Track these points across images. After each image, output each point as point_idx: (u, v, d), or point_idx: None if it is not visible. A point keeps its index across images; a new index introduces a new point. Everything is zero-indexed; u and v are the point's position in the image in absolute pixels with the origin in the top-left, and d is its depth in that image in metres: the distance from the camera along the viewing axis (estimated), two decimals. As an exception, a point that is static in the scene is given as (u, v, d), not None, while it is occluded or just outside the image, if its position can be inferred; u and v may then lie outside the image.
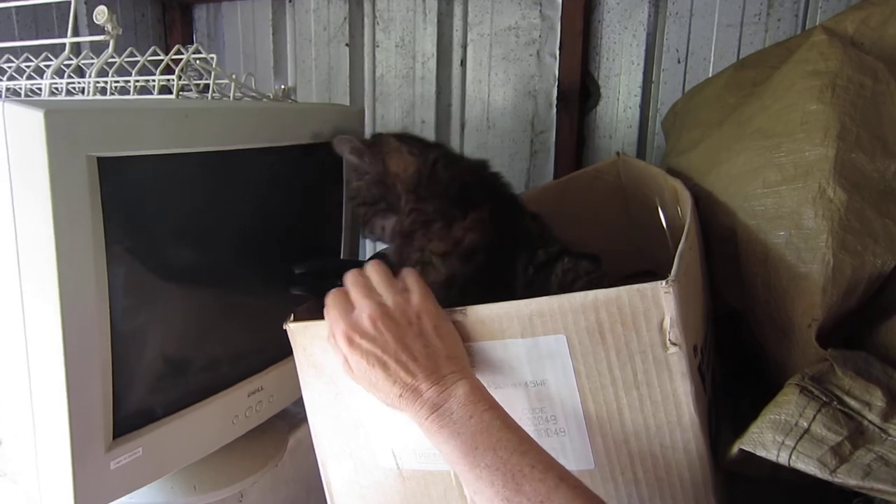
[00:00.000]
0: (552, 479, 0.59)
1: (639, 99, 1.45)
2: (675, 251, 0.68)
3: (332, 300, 0.72)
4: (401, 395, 0.66)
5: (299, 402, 1.14)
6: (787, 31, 1.33)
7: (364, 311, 0.68)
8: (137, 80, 1.09)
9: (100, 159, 0.69)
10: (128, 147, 0.72)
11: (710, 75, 1.37)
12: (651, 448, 0.66)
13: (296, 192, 1.00)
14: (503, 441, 0.62)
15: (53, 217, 0.66)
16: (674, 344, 0.63)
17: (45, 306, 0.68)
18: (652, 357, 0.64)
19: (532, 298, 0.67)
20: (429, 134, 1.60)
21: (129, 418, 0.79)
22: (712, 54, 1.39)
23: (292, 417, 1.15)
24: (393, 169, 0.86)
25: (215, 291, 0.90)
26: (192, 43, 1.75)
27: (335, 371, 0.78)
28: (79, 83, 1.12)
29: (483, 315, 0.68)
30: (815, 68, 0.85)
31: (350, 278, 0.72)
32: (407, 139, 0.89)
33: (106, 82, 1.10)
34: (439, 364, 0.66)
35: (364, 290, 0.70)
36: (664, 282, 0.62)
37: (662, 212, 0.98)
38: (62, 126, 0.65)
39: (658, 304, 0.63)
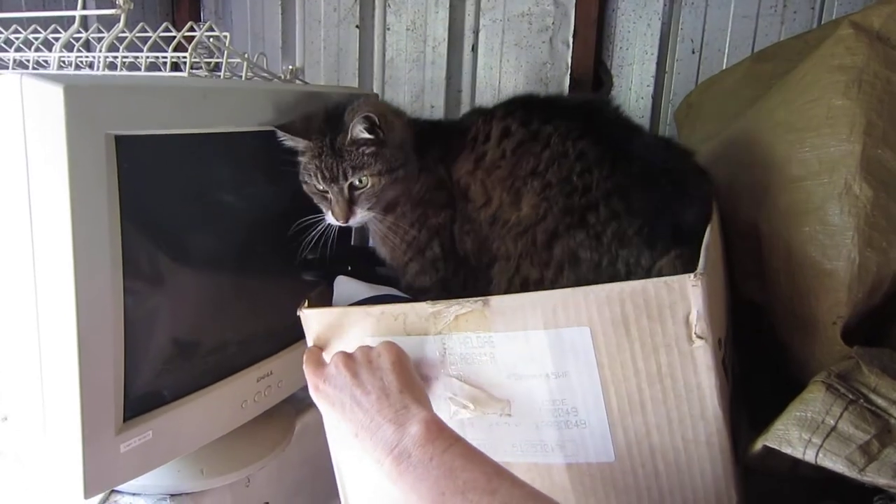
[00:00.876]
0: None
1: (651, 89, 1.43)
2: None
3: (306, 357, 0.76)
4: (356, 434, 0.65)
5: (306, 388, 1.14)
6: (803, 23, 1.32)
7: (331, 360, 0.72)
8: (148, 56, 1.08)
9: (118, 137, 0.67)
10: (146, 126, 0.71)
11: (725, 67, 1.36)
12: (673, 442, 0.66)
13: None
14: (470, 483, 0.58)
15: (70, 195, 0.64)
16: (700, 337, 0.62)
17: (59, 284, 0.67)
18: (677, 350, 0.63)
19: (555, 290, 0.66)
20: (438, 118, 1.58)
21: (139, 401, 0.78)
22: (727, 45, 1.37)
23: (299, 402, 1.14)
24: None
25: (227, 275, 0.89)
26: (199, 21, 1.73)
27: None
28: (88, 57, 1.10)
29: (505, 305, 0.68)
30: (841, 63, 0.84)
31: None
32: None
33: (115, 57, 1.08)
34: (391, 398, 0.65)
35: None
36: (692, 275, 0.62)
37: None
38: (82, 102, 0.63)
39: (685, 296, 0.62)
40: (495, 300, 0.68)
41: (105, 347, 0.71)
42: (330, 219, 0.89)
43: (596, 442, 0.68)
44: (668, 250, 0.74)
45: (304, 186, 0.91)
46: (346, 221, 0.88)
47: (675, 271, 0.70)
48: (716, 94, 1.22)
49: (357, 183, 0.87)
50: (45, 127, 0.63)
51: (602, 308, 0.64)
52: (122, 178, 0.69)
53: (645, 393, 0.65)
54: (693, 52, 1.40)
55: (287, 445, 1.05)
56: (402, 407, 0.64)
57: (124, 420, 0.76)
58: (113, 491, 0.89)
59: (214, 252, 0.87)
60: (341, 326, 0.77)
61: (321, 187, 0.88)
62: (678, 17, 1.40)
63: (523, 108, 0.88)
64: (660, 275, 0.72)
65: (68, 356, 0.69)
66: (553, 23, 1.46)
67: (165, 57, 1.12)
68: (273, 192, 0.94)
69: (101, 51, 1.07)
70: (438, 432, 0.62)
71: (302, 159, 0.89)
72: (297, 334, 0.97)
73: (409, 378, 0.68)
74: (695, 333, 0.62)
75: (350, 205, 0.88)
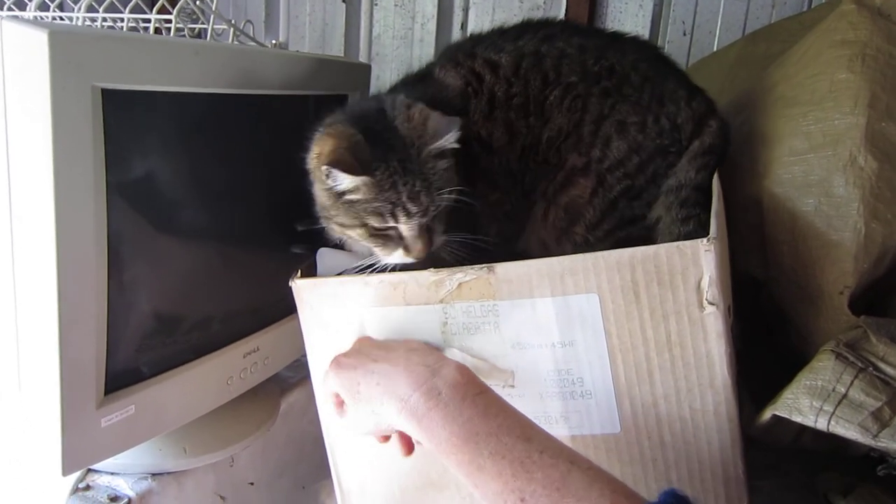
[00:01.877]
0: (564, 464, 0.54)
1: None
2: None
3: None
4: (378, 383, 0.63)
5: (292, 367, 1.11)
6: (794, 5, 1.32)
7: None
8: (130, 18, 1.04)
9: (105, 91, 0.64)
10: (135, 81, 0.67)
11: (716, 49, 1.36)
12: (680, 412, 0.65)
13: (301, 145, 0.96)
14: (504, 426, 0.56)
15: (53, 151, 0.61)
16: (711, 304, 0.61)
17: (39, 248, 0.63)
18: (687, 317, 0.62)
19: (564, 256, 0.64)
20: (425, 98, 1.55)
21: (122, 373, 0.75)
22: (718, 28, 1.37)
23: (284, 381, 1.11)
24: None
25: (215, 245, 0.86)
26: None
27: (343, 330, 0.75)
28: (64, 18, 1.05)
29: (512, 273, 0.66)
30: (843, 38, 0.83)
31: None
32: None
33: (94, 20, 1.04)
34: (419, 353, 0.64)
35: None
36: (704, 239, 0.60)
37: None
38: (68, 51, 0.59)
39: (697, 262, 0.60)
40: (500, 267, 0.66)
41: (87, 316, 0.68)
42: (394, 258, 0.74)
43: (602, 413, 0.67)
44: (704, 109, 0.84)
45: (344, 230, 0.75)
46: (424, 257, 0.74)
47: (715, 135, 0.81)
48: (709, 75, 1.21)
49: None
50: (27, 76, 0.59)
51: (612, 274, 0.62)
52: (108, 135, 0.65)
53: (653, 362, 0.64)
54: (684, 34, 1.39)
55: (272, 425, 1.02)
56: (432, 356, 0.63)
57: (106, 393, 0.73)
58: (90, 470, 0.85)
59: (202, 220, 0.83)
60: (336, 297, 0.74)
61: (388, 224, 0.72)
62: (670, -2, 1.40)
63: (480, 43, 0.87)
64: (700, 124, 0.82)
65: (47, 324, 0.65)
66: (544, 2, 1.44)
67: (148, 20, 1.08)
68: (264, 160, 0.90)
69: (79, 11, 1.03)
70: (471, 378, 0.60)
71: (351, 197, 0.72)
72: (286, 309, 0.94)
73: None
74: (706, 300, 0.61)
75: (430, 235, 0.74)
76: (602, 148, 0.81)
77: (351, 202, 0.72)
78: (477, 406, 0.58)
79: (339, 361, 0.69)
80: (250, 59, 0.83)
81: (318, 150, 0.73)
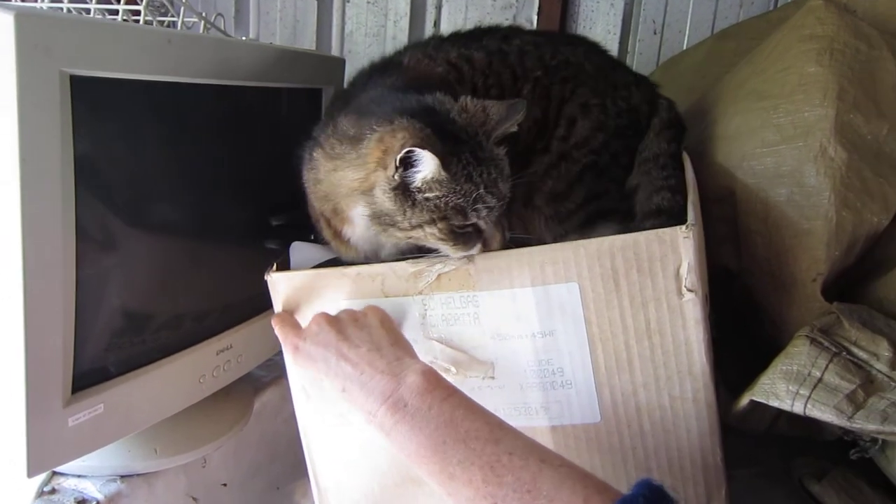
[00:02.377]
0: (534, 464, 0.54)
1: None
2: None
3: (277, 320, 0.72)
4: (344, 389, 0.61)
5: (265, 366, 1.09)
6: (761, 5, 1.35)
7: (312, 320, 0.68)
8: (98, 8, 1.01)
9: (74, 77, 0.62)
10: (105, 68, 0.65)
11: (685, 47, 1.38)
12: (660, 400, 0.65)
13: (275, 139, 0.95)
14: (472, 431, 0.56)
15: (19, 140, 0.58)
16: (690, 290, 0.61)
17: (3, 239, 0.61)
18: (666, 304, 0.62)
19: (543, 245, 0.64)
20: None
21: (90, 371, 0.73)
22: (688, 27, 1.39)
23: (257, 381, 1.09)
24: None
25: (187, 240, 0.84)
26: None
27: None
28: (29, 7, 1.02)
29: (491, 263, 0.65)
30: (812, 32, 0.85)
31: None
32: None
33: (60, 9, 1.02)
34: (383, 351, 0.62)
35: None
36: (683, 227, 0.61)
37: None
38: (35, 34, 0.57)
39: (676, 249, 0.61)
40: (480, 257, 0.66)
41: (54, 311, 0.66)
42: (471, 253, 0.68)
43: (582, 402, 0.67)
44: (650, 91, 0.92)
45: (411, 232, 0.68)
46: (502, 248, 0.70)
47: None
48: (679, 73, 1.23)
49: None
50: (-8, 61, 0.57)
51: (592, 262, 0.62)
52: (77, 124, 0.63)
53: (633, 350, 0.64)
54: (655, 33, 1.41)
55: (245, 424, 1.00)
56: (396, 359, 0.61)
57: (73, 391, 0.70)
58: (56, 473, 0.83)
59: (174, 214, 0.81)
60: (313, 290, 0.73)
61: (469, 221, 0.67)
62: (640, -3, 1.42)
63: (446, 42, 0.89)
64: (652, 104, 0.89)
65: (12, 319, 0.63)
66: (517, 0, 1.45)
67: (115, 11, 1.06)
68: (238, 153, 0.89)
69: (42, 2, 1.00)
70: (436, 382, 0.59)
71: (427, 194, 0.66)
72: (260, 305, 0.93)
73: (398, 335, 0.65)
74: (685, 286, 0.61)
75: (503, 225, 0.71)
76: (567, 127, 0.83)
77: (426, 199, 0.66)
78: (443, 413, 0.57)
79: (299, 348, 0.67)
80: (224, 50, 0.82)
81: (387, 145, 0.66)
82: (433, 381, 0.59)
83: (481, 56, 0.85)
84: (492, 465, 0.54)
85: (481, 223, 0.67)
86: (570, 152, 0.83)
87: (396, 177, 0.65)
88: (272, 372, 1.13)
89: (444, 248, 0.68)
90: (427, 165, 0.64)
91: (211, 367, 0.90)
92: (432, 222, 0.66)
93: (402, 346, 0.64)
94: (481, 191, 0.66)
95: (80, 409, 0.71)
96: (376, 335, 0.64)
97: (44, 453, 0.68)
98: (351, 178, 0.69)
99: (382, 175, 0.66)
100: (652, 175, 0.81)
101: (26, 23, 0.56)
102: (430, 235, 0.67)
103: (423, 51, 0.87)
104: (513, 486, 0.53)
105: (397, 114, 0.67)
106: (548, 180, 0.83)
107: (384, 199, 0.67)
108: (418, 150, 0.63)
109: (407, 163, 0.64)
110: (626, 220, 0.81)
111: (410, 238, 0.70)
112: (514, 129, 0.71)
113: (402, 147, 0.63)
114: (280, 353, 0.90)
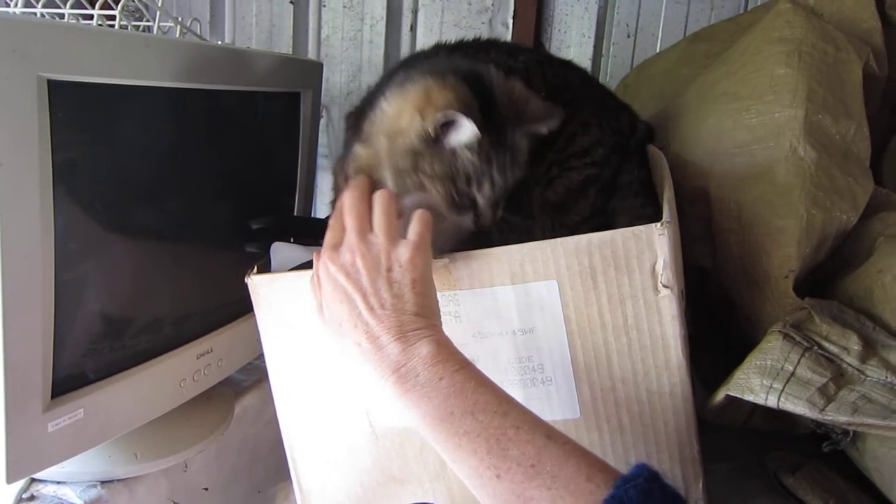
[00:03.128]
0: (540, 439, 0.55)
1: (588, 71, 1.45)
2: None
3: (332, 222, 0.66)
4: (359, 344, 0.60)
5: (245, 370, 1.09)
6: (731, 8, 1.38)
7: (350, 245, 0.63)
8: (73, 14, 1.01)
9: (51, 82, 0.62)
10: (83, 72, 0.65)
11: (658, 50, 1.40)
12: (638, 394, 0.66)
13: (254, 143, 0.95)
14: (480, 403, 0.57)
15: (-4, 144, 0.58)
16: (665, 286, 0.63)
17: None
18: (643, 300, 0.63)
19: (523, 243, 0.65)
20: (375, 100, 1.55)
21: (70, 376, 0.72)
22: (660, 30, 1.41)
23: (238, 385, 1.09)
24: None
25: (166, 243, 0.84)
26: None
27: (304, 327, 0.74)
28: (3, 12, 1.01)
29: (472, 262, 0.66)
30: (781, 35, 0.87)
31: (351, 202, 0.65)
32: None
33: (34, 14, 1.01)
34: (402, 320, 0.61)
35: (359, 223, 0.64)
36: (658, 224, 0.62)
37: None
38: (12, 39, 0.57)
39: (651, 246, 0.62)
40: (461, 256, 0.66)
41: (33, 316, 0.65)
42: (464, 221, 0.72)
43: (562, 398, 0.68)
44: (633, 115, 0.92)
45: (424, 181, 0.71)
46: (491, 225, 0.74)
47: None
48: (653, 75, 1.25)
49: None
50: (-32, 66, 0.57)
51: (570, 260, 0.63)
52: (55, 128, 0.63)
53: (611, 346, 0.65)
54: (628, 36, 1.43)
55: (226, 428, 1.00)
56: (414, 329, 0.60)
57: (53, 396, 0.70)
58: (35, 479, 0.82)
59: (153, 218, 0.81)
60: (295, 291, 0.73)
61: (471, 192, 0.71)
62: (614, 2, 1.44)
63: (454, 53, 0.89)
64: (633, 127, 0.88)
65: (-9, 322, 0.63)
66: (492, 4, 1.46)
67: (89, 17, 1.05)
68: (216, 156, 0.89)
69: (16, 7, 1.00)
70: (449, 354, 0.60)
71: (450, 156, 0.69)
72: (240, 309, 0.93)
73: (427, 298, 0.62)
74: (661, 283, 0.62)
75: (499, 206, 0.75)
76: (566, 140, 0.82)
77: (454, 152, 0.69)
78: (454, 384, 0.58)
79: (329, 273, 0.63)
80: (202, 54, 0.81)
81: (432, 98, 0.68)
82: (446, 353, 0.59)
83: None
84: (497, 438, 0.55)
85: (479, 198, 0.70)
86: (567, 160, 0.83)
87: (430, 129, 0.67)
88: (253, 376, 1.13)
89: (442, 207, 0.71)
90: (463, 132, 0.67)
91: (191, 371, 0.89)
92: (443, 178, 0.69)
93: (425, 314, 0.62)
94: (494, 173, 0.69)
95: (59, 415, 0.70)
96: (406, 297, 0.61)
97: (23, 459, 0.68)
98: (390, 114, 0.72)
99: (418, 121, 0.69)
100: (629, 201, 0.82)
101: (2, 28, 0.56)
102: (432, 189, 0.70)
103: (430, 65, 0.83)
104: (517, 460, 0.54)
105: (451, 71, 0.70)
106: (546, 189, 0.83)
107: (415, 140, 0.69)
108: (461, 117, 0.65)
109: (444, 122, 0.67)
110: None
111: (418, 190, 0.71)
112: (544, 132, 0.73)
113: (447, 107, 0.66)
114: (260, 356, 0.90)
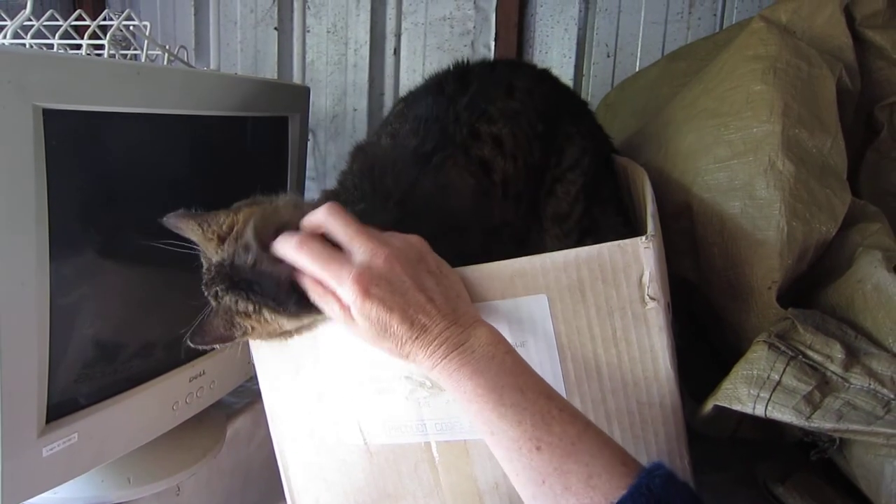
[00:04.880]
0: (580, 424, 0.58)
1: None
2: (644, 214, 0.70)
3: (312, 249, 0.62)
4: (416, 338, 0.61)
5: (236, 392, 1.09)
6: (707, 27, 1.41)
7: (375, 252, 0.61)
8: (61, 44, 1.02)
9: (46, 111, 0.63)
10: (77, 101, 0.66)
11: (637, 69, 1.43)
12: (628, 405, 0.67)
13: (244, 167, 0.96)
14: (529, 383, 0.60)
15: (-7, 172, 0.59)
16: (652, 299, 0.64)
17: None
18: (631, 313, 0.65)
19: (512, 259, 0.66)
20: (361, 122, 1.57)
21: (64, 401, 0.73)
22: (639, 49, 1.44)
23: (229, 407, 1.09)
24: None
25: (157, 267, 0.84)
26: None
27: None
28: (-7, 44, 1.02)
29: (463, 278, 0.67)
30: (755, 53, 0.89)
31: (331, 219, 0.63)
32: None
33: (23, 44, 1.02)
34: (456, 304, 0.63)
35: (361, 230, 0.62)
36: (643, 237, 0.64)
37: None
38: (8, 70, 0.59)
39: (637, 259, 0.64)
40: (451, 272, 0.67)
41: (28, 341, 0.66)
42: None
43: (554, 411, 0.68)
44: None
45: None
46: None
47: None
48: (633, 93, 1.28)
49: None
50: (-35, 97, 0.58)
51: (559, 274, 0.65)
52: (50, 156, 0.64)
53: (601, 358, 0.66)
54: (608, 56, 1.46)
55: (219, 451, 1.00)
56: (466, 313, 0.63)
57: (47, 421, 0.70)
58: (27, 506, 0.82)
59: (145, 241, 0.82)
60: (287, 311, 0.74)
61: None
62: (593, 22, 1.47)
63: (470, 109, 0.87)
64: None
65: (-14, 349, 0.63)
66: (474, 27, 1.49)
67: (78, 46, 1.06)
68: (209, 182, 0.90)
69: (4, 38, 1.01)
70: (501, 338, 0.62)
71: None
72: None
73: (458, 282, 0.65)
74: (647, 295, 0.64)
75: None
76: (557, 156, 0.86)
77: None
78: (505, 363, 0.60)
79: (369, 292, 0.60)
80: (192, 81, 0.83)
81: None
82: (498, 337, 0.62)
83: (507, 131, 0.86)
84: (542, 415, 0.58)
85: None
86: (563, 175, 0.87)
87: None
88: (244, 398, 1.13)
89: None
90: None
91: (184, 393, 0.90)
92: None
93: (467, 299, 0.65)
94: None
95: (54, 439, 0.71)
96: (445, 284, 0.63)
97: (18, 484, 0.68)
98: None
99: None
100: (611, 219, 0.87)
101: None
102: None
103: (450, 139, 0.82)
104: (559, 436, 0.57)
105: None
106: (551, 204, 0.87)
107: None
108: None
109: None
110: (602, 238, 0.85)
111: None
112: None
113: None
114: (251, 378, 0.90)
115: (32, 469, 0.69)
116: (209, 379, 0.94)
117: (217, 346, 0.71)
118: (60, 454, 0.72)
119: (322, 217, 0.64)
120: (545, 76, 0.97)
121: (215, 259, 0.67)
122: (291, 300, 0.65)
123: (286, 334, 0.72)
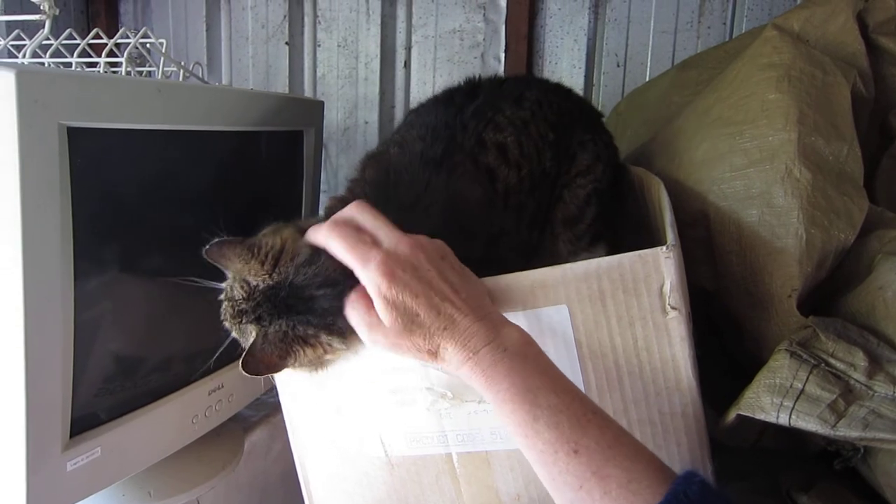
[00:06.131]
0: (615, 427, 0.57)
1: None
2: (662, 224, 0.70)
3: (342, 231, 0.62)
4: (445, 328, 0.60)
5: (253, 405, 1.10)
6: (716, 36, 1.42)
7: (401, 240, 0.62)
8: (79, 62, 1.03)
9: (71, 129, 0.64)
10: (100, 119, 0.67)
11: (648, 79, 1.44)
12: (650, 415, 0.67)
13: (260, 182, 0.97)
14: (561, 385, 0.59)
15: (21, 190, 0.60)
16: (673, 308, 0.64)
17: (5, 288, 0.62)
18: (652, 323, 0.65)
19: (532, 270, 0.66)
20: (372, 135, 1.58)
21: (87, 416, 0.73)
22: (649, 59, 1.45)
23: (245, 420, 1.10)
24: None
25: (181, 283, 0.85)
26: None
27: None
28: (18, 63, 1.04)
29: (483, 289, 0.67)
30: (769, 61, 0.90)
31: (359, 212, 0.64)
32: None
33: (42, 64, 1.03)
34: (482, 302, 0.62)
35: (388, 222, 0.63)
36: (664, 247, 0.64)
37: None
38: (35, 90, 0.59)
39: (658, 269, 0.64)
40: (472, 284, 0.67)
41: (54, 357, 0.67)
42: None
43: (576, 422, 0.68)
44: None
45: None
46: None
47: None
48: (644, 102, 1.28)
49: None
50: (-6, 117, 0.59)
51: (580, 284, 0.65)
52: (74, 173, 0.65)
53: (622, 368, 0.66)
54: (618, 66, 1.47)
55: (237, 465, 1.01)
56: (492, 311, 0.63)
57: (71, 436, 0.71)
58: (49, 522, 0.82)
59: (168, 259, 0.83)
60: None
61: None
62: (602, 33, 1.47)
63: (477, 118, 0.87)
64: None
65: (13, 366, 0.63)
66: (484, 39, 1.50)
67: (96, 64, 1.08)
68: (228, 197, 0.90)
69: (24, 57, 1.02)
70: (531, 339, 0.62)
71: None
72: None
73: (479, 282, 0.65)
74: (668, 304, 0.64)
75: None
76: (568, 162, 0.87)
77: None
78: (538, 364, 0.60)
79: (395, 275, 0.60)
80: (211, 97, 0.84)
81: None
82: (529, 337, 0.62)
83: (513, 139, 0.86)
84: (578, 417, 0.57)
85: None
86: (574, 180, 0.88)
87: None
88: (260, 411, 1.13)
89: None
90: None
91: (203, 407, 0.90)
92: None
93: (488, 295, 0.65)
94: None
95: (78, 454, 0.71)
96: (470, 281, 0.64)
97: (43, 499, 0.69)
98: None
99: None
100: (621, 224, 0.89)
101: (26, 79, 0.58)
102: None
103: (457, 145, 0.82)
104: (596, 440, 0.55)
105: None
106: (560, 209, 0.88)
107: None
108: None
109: None
110: (614, 245, 0.85)
111: None
112: None
113: None
114: (270, 391, 0.91)
115: (57, 483, 0.70)
116: (228, 392, 0.94)
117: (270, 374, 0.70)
118: (84, 468, 0.72)
119: (350, 210, 0.65)
120: (558, 88, 0.98)
121: (268, 282, 0.66)
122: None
123: (328, 363, 0.71)
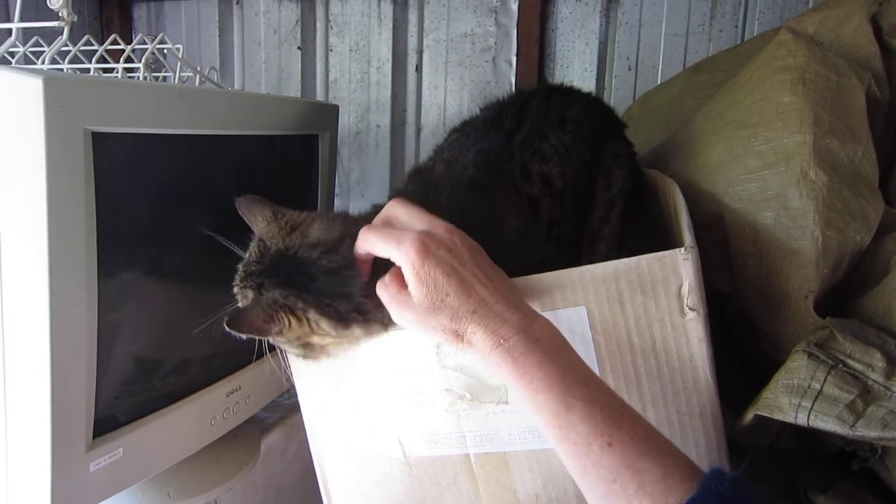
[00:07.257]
0: (645, 423, 0.57)
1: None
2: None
3: (378, 228, 0.65)
4: (475, 311, 0.59)
5: (269, 407, 1.11)
6: (728, 39, 1.42)
7: (437, 224, 0.63)
8: (97, 68, 1.04)
9: (95, 134, 0.65)
10: (123, 124, 0.68)
11: (659, 82, 1.44)
12: (668, 416, 0.67)
13: (276, 186, 0.97)
14: (593, 378, 0.59)
15: (47, 195, 0.61)
16: (692, 309, 0.64)
17: (31, 291, 0.63)
18: (670, 324, 0.65)
19: (551, 272, 0.67)
20: (384, 139, 1.59)
21: (110, 417, 0.74)
22: (661, 62, 1.45)
23: (262, 422, 1.10)
24: None
25: (199, 284, 0.86)
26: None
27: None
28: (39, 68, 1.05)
29: (502, 290, 0.68)
30: (783, 64, 0.90)
31: (397, 206, 0.66)
32: None
33: (61, 71, 1.05)
34: (515, 293, 0.62)
35: (420, 211, 0.65)
36: (682, 249, 0.64)
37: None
38: (61, 96, 0.60)
39: (676, 270, 0.64)
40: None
41: (78, 359, 0.68)
42: None
43: (594, 422, 0.69)
44: None
45: None
46: None
47: None
48: (656, 105, 1.28)
49: None
50: (21, 122, 0.60)
51: (598, 286, 0.65)
52: (99, 177, 0.66)
53: (640, 369, 0.67)
54: (629, 69, 1.47)
55: (254, 466, 1.01)
56: (523, 303, 0.62)
57: (94, 437, 0.72)
58: (71, 522, 0.83)
59: (189, 262, 0.84)
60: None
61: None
62: (614, 36, 1.48)
63: (523, 148, 0.87)
64: None
65: (39, 367, 0.65)
66: (495, 43, 1.51)
67: (113, 70, 1.09)
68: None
69: (43, 64, 1.03)
70: (560, 332, 0.61)
71: None
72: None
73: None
74: (687, 306, 0.64)
75: None
76: (605, 177, 0.87)
77: None
78: (569, 355, 0.60)
79: (430, 251, 0.60)
80: (230, 102, 0.85)
81: None
82: (558, 331, 0.61)
83: (558, 169, 0.86)
84: (612, 409, 0.56)
85: None
86: (615, 201, 0.87)
87: None
88: (276, 413, 1.14)
89: None
90: None
91: (221, 408, 0.91)
92: None
93: (517, 287, 0.65)
94: None
95: (100, 454, 0.72)
96: (502, 273, 0.64)
97: (67, 498, 0.70)
98: None
99: None
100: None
101: (53, 85, 0.59)
102: None
103: (501, 173, 0.82)
104: (629, 433, 0.55)
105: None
106: (605, 228, 0.87)
107: None
108: None
109: None
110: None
111: None
112: None
113: None
114: (287, 392, 0.91)
115: (80, 483, 0.71)
116: (245, 394, 0.95)
117: (251, 336, 0.70)
118: (106, 469, 0.73)
119: (385, 212, 0.67)
120: (595, 102, 0.99)
121: (279, 245, 0.69)
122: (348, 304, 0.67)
123: (316, 347, 0.72)
